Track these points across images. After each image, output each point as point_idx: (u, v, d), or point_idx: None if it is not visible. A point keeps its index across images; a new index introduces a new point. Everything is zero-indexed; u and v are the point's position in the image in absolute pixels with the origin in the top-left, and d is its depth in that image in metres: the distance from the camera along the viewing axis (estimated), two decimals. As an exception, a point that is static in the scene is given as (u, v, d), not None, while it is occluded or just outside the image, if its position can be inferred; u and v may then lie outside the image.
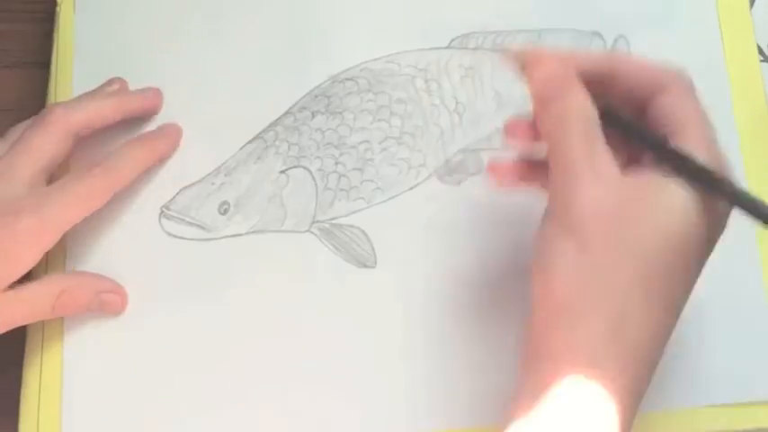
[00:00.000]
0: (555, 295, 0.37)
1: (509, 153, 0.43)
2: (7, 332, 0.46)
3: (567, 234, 0.37)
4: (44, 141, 0.47)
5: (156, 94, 0.52)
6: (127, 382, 0.48)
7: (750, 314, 0.47)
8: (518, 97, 0.50)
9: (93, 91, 0.51)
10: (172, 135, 0.52)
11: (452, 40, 0.52)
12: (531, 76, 0.40)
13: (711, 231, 0.38)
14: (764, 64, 0.51)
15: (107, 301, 0.48)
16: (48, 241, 0.46)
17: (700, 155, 0.37)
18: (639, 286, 0.36)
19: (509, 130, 0.43)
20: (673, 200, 0.37)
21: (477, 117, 0.51)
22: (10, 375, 0.49)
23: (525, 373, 0.37)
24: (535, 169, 0.43)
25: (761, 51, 0.51)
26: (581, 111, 0.38)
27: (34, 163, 0.47)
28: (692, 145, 0.37)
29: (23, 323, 0.47)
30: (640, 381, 0.37)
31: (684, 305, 0.38)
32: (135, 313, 0.49)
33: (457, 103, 0.51)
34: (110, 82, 0.52)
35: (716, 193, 0.37)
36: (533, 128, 0.41)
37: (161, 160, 0.51)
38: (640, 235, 0.36)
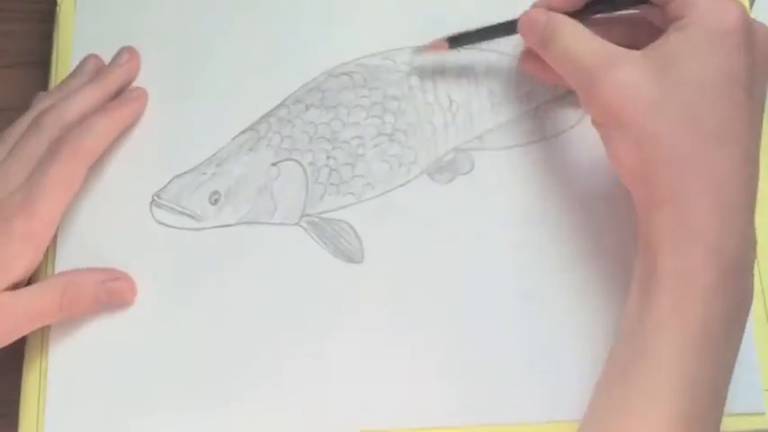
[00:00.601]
0: (620, 171, 0.42)
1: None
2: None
3: (605, 124, 0.42)
4: (38, 147, 0.48)
5: (132, 56, 0.53)
6: (114, 368, 0.48)
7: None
8: (513, 97, 0.51)
9: (76, 76, 0.52)
10: (137, 99, 0.52)
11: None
12: (523, 35, 0.47)
13: (735, 58, 0.41)
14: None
15: (114, 289, 0.48)
16: (43, 236, 0.47)
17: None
18: (690, 127, 0.40)
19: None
20: (680, 46, 0.41)
21: (471, 116, 0.51)
22: (10, 377, 0.49)
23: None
24: None
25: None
26: (576, 31, 0.44)
27: (27, 169, 0.47)
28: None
29: (33, 326, 0.47)
30: (727, 218, 0.40)
31: (752, 134, 0.41)
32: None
33: (451, 101, 0.51)
34: (85, 61, 0.52)
35: None
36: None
37: (128, 125, 0.51)
38: (670, 88, 0.41)
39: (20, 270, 0.46)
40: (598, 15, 0.46)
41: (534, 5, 0.47)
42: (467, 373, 0.47)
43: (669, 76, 0.41)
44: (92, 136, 0.48)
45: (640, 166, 0.41)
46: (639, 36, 0.45)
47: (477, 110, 0.51)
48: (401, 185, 0.50)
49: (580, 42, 0.44)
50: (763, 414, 0.45)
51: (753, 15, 0.51)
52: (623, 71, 0.41)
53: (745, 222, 0.40)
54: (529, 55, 0.49)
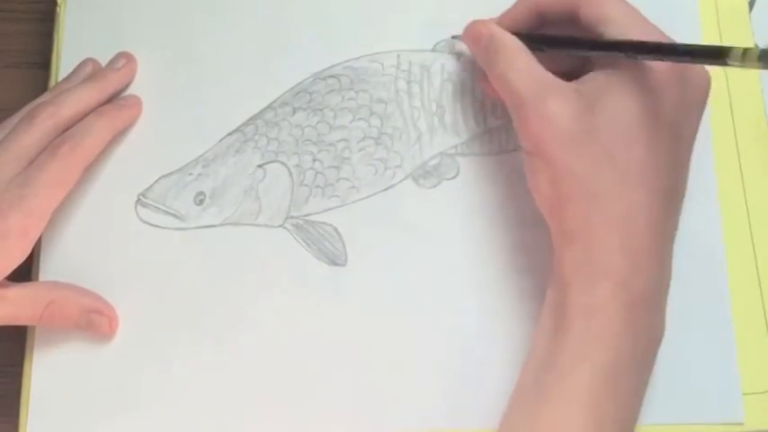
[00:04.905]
0: (538, 200, 0.43)
1: None
2: (8, 332, 0.47)
3: (529, 151, 0.43)
4: (33, 141, 0.48)
5: (128, 61, 0.53)
6: (96, 367, 0.48)
7: (711, 338, 0.47)
8: (498, 103, 0.51)
9: (71, 78, 0.52)
10: (133, 105, 0.52)
11: (437, 44, 0.52)
12: (469, 48, 0.49)
13: (665, 97, 0.41)
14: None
15: (95, 322, 0.48)
16: (36, 232, 0.47)
17: (632, 34, 0.42)
18: (606, 164, 0.40)
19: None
20: (606, 84, 0.41)
21: (457, 122, 0.51)
22: (10, 375, 0.50)
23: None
24: None
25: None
26: (502, 45, 0.45)
27: (20, 163, 0.47)
28: (619, 31, 0.42)
29: (4, 323, 0.47)
30: (637, 254, 0.40)
31: (672, 174, 0.42)
32: (108, 298, 0.49)
33: (437, 106, 0.51)
34: (82, 65, 0.52)
35: (656, 57, 0.41)
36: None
37: (122, 130, 0.51)
38: (590, 123, 0.41)
39: (12, 266, 0.46)
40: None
41: (482, 20, 0.47)
42: (450, 377, 0.47)
43: (594, 112, 0.41)
44: (90, 136, 0.48)
45: (555, 199, 0.42)
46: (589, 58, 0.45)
47: (464, 115, 0.51)
48: (386, 189, 0.50)
49: (517, 68, 0.44)
50: (741, 424, 0.45)
51: (752, 17, 0.52)
52: (551, 104, 0.41)
53: (656, 261, 0.41)
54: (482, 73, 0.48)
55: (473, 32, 0.47)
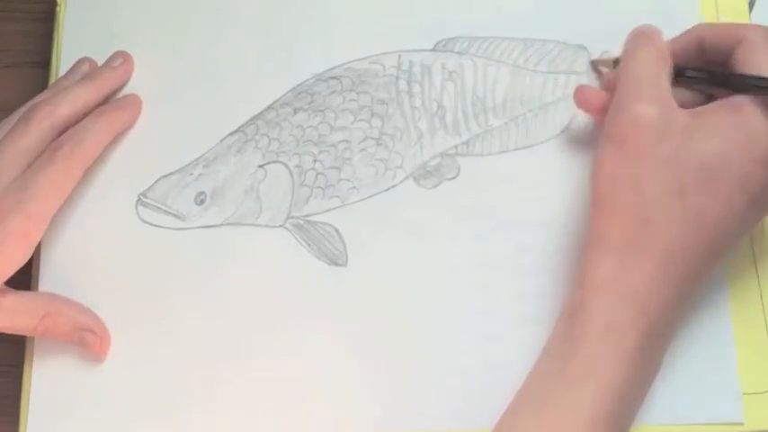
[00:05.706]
0: (594, 190, 0.42)
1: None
2: (8, 333, 0.47)
3: (611, 139, 0.42)
4: (31, 141, 0.47)
5: (125, 60, 0.53)
6: (95, 368, 0.48)
7: (711, 338, 0.46)
8: (500, 104, 0.51)
9: (68, 77, 0.52)
10: (132, 105, 0.52)
11: (437, 43, 0.52)
12: (632, 31, 0.46)
13: (764, 172, 0.41)
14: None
15: (87, 341, 0.48)
16: (37, 235, 0.47)
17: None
18: (674, 195, 0.40)
19: (579, 93, 0.48)
20: (717, 123, 0.41)
21: (457, 122, 0.51)
22: (10, 375, 0.50)
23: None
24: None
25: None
26: (654, 50, 0.44)
27: (19, 165, 0.47)
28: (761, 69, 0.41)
29: (0, 332, 0.47)
30: (664, 288, 0.40)
31: (731, 233, 0.41)
32: (108, 297, 0.49)
33: (438, 106, 0.51)
34: (79, 63, 0.52)
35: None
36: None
37: (123, 131, 0.51)
38: (679, 150, 0.40)
39: (12, 270, 0.46)
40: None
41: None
42: (450, 377, 0.47)
43: (689, 144, 0.41)
44: (90, 137, 0.48)
45: (609, 202, 0.41)
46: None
47: (464, 115, 0.51)
48: (387, 190, 0.50)
49: (653, 71, 0.43)
50: (741, 424, 0.45)
51: (752, 17, 0.52)
52: (659, 114, 0.41)
53: (682, 298, 0.41)
54: (591, 93, 0.48)
55: (641, 31, 0.46)
